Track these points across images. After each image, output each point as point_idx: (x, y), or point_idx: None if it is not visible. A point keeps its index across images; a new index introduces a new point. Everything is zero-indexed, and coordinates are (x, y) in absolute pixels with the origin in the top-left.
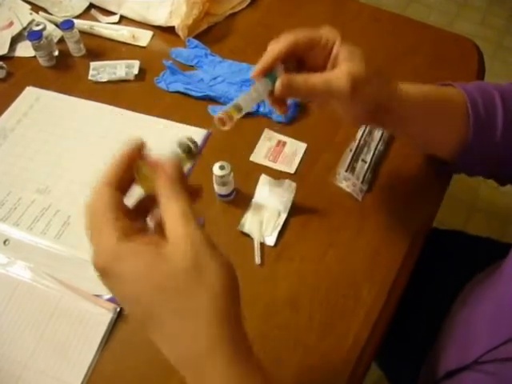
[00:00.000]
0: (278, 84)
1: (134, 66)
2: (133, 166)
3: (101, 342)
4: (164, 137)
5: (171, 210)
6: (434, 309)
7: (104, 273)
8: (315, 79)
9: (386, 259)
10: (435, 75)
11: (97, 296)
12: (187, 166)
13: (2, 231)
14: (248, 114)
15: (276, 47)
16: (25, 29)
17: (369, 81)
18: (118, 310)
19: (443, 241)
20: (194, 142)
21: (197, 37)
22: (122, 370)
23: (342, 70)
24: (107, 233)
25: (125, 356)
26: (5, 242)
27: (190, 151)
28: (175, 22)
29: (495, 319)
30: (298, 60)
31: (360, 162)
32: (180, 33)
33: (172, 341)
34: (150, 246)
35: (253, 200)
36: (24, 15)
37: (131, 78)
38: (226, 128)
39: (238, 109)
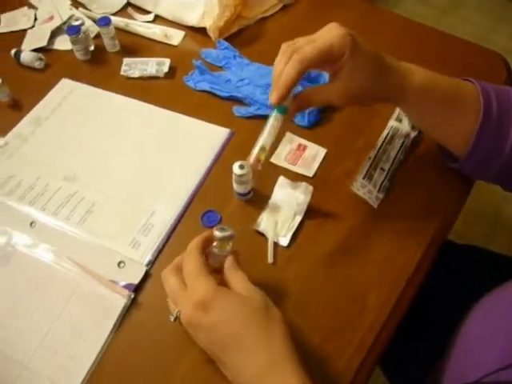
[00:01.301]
0: (292, 109)
1: (165, 63)
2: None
3: (114, 326)
4: (187, 134)
5: (235, 274)
6: (445, 321)
7: (204, 308)
8: (315, 98)
9: (396, 269)
10: None
11: (113, 282)
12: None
13: (30, 214)
14: None
15: (291, 74)
16: (64, 23)
17: (366, 47)
18: (133, 296)
19: (461, 255)
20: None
21: (227, 39)
22: (133, 352)
23: (338, 85)
24: (206, 281)
25: (136, 339)
26: (31, 224)
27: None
28: (207, 24)
29: (505, 339)
30: None
31: (378, 170)
32: (211, 34)
33: (249, 357)
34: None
35: (270, 200)
36: (64, 10)
37: (161, 75)
38: (260, 167)
39: (263, 149)
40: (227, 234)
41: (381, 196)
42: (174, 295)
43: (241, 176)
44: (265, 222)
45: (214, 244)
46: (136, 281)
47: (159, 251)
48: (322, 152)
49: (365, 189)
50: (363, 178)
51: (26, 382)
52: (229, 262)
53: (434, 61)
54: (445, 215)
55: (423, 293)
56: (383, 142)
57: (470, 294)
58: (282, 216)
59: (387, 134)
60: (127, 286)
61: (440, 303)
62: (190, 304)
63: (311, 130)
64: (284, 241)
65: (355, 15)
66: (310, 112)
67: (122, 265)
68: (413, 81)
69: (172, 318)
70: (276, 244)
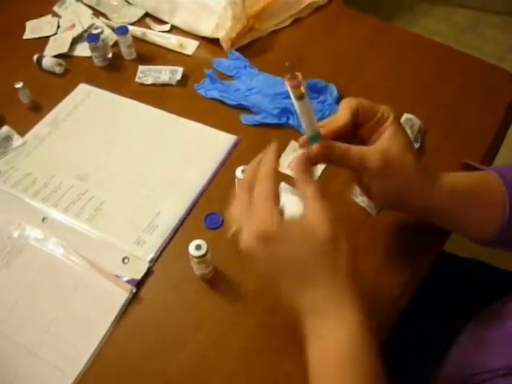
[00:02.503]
0: (319, 146)
1: (178, 72)
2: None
3: (115, 318)
4: (196, 139)
5: (307, 193)
6: (442, 333)
7: (267, 240)
8: (353, 151)
9: (391, 276)
10: (464, 105)
11: (117, 276)
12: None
13: (43, 210)
14: (277, 125)
15: (342, 118)
16: (85, 31)
17: (401, 165)
18: (134, 291)
19: (462, 268)
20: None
21: (239, 49)
22: (131, 345)
23: (377, 147)
24: (274, 210)
25: (135, 333)
26: (43, 220)
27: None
28: (220, 35)
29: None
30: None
31: None
32: (223, 44)
33: (309, 290)
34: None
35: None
36: (86, 19)
37: (174, 82)
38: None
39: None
40: (202, 253)
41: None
42: (238, 212)
43: None
44: None
45: (192, 261)
46: (138, 276)
47: (162, 249)
48: None
49: (364, 197)
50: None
51: (30, 367)
52: (297, 175)
53: (441, 76)
54: (441, 229)
55: (421, 303)
56: None
57: (469, 306)
58: None
59: None
60: (130, 281)
61: (438, 315)
62: (252, 232)
63: None
64: None
65: (367, 31)
66: None
67: (126, 261)
68: (444, 182)
69: (229, 234)
70: None
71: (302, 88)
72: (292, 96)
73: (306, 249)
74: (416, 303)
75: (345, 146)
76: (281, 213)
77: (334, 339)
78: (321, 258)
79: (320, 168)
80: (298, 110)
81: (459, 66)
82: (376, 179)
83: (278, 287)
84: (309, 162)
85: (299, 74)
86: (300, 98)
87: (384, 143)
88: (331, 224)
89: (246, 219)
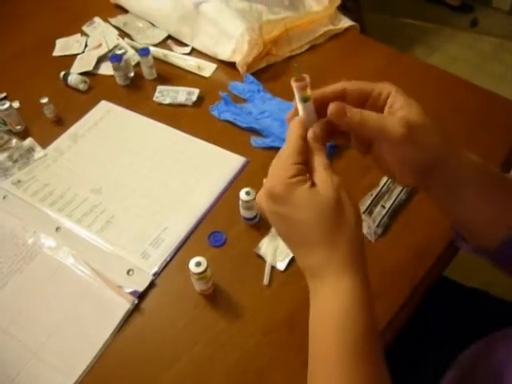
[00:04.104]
0: (331, 107)
1: (194, 93)
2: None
3: (116, 327)
4: (206, 159)
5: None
6: (439, 362)
7: (274, 199)
8: (370, 114)
9: (384, 304)
10: (474, 137)
11: (120, 287)
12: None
13: (57, 220)
14: None
15: (324, 89)
16: (110, 51)
17: (425, 130)
18: (136, 302)
19: (465, 297)
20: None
21: (255, 73)
22: (130, 353)
23: (397, 115)
24: (285, 171)
25: (135, 342)
26: (57, 229)
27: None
28: (237, 59)
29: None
30: None
31: (379, 207)
32: (239, 68)
33: (312, 251)
34: (306, 185)
35: (273, 227)
36: (111, 39)
37: (189, 103)
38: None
39: None
40: (202, 269)
41: (379, 231)
42: (270, 167)
43: (247, 202)
44: (265, 247)
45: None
46: (141, 288)
47: (166, 263)
48: None
49: (364, 223)
50: (363, 213)
51: (34, 368)
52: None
53: (451, 107)
54: (438, 261)
55: (419, 333)
56: (387, 181)
57: (470, 335)
58: (283, 243)
59: None
60: (133, 293)
61: (439, 344)
62: (263, 188)
63: None
64: (281, 265)
65: (380, 59)
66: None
67: (131, 272)
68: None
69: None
70: (273, 267)
71: (309, 91)
72: (296, 97)
73: (308, 213)
74: (412, 329)
75: (358, 109)
76: (298, 172)
77: (328, 303)
78: (323, 222)
79: None
80: (300, 113)
81: (471, 99)
82: (397, 149)
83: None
84: (326, 128)
85: (307, 77)
86: (305, 100)
87: (400, 111)
88: (337, 190)
89: (267, 177)
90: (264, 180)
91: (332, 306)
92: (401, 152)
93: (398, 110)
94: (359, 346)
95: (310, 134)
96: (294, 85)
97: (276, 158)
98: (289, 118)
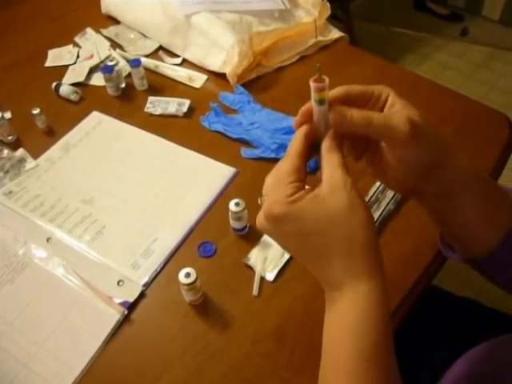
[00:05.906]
0: (333, 114)
1: (185, 104)
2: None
3: (106, 338)
4: (197, 170)
5: (332, 160)
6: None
7: (274, 221)
8: (374, 113)
9: None
10: (463, 147)
11: (111, 298)
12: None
13: (48, 230)
14: (275, 159)
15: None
16: (102, 62)
17: (428, 130)
18: (126, 313)
19: (456, 307)
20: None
21: (245, 84)
22: (120, 364)
23: (402, 114)
24: (282, 192)
25: (124, 353)
26: (48, 240)
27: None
28: (227, 70)
29: None
30: None
31: None
32: (230, 79)
33: (327, 261)
34: (310, 196)
35: (262, 238)
36: (103, 50)
37: (180, 114)
38: None
39: None
40: (191, 280)
41: None
42: (265, 186)
43: (236, 213)
44: (255, 257)
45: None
46: (131, 299)
47: (156, 274)
48: None
49: None
50: None
51: (24, 380)
52: (327, 142)
53: (438, 118)
54: (427, 269)
55: (409, 343)
56: (376, 191)
57: (463, 344)
58: (272, 253)
59: (380, 185)
60: (123, 303)
61: (429, 352)
62: (262, 211)
63: (312, 175)
64: (270, 276)
65: (369, 70)
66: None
67: (121, 283)
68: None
69: (259, 202)
70: (263, 278)
71: (326, 93)
72: (312, 98)
73: (318, 224)
74: (402, 339)
75: (359, 109)
76: (297, 190)
77: (346, 308)
78: (335, 230)
79: None
80: (314, 116)
81: (459, 109)
82: (400, 149)
83: (301, 262)
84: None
85: (327, 78)
86: (321, 102)
87: (403, 111)
88: (348, 193)
89: (265, 199)
90: (259, 199)
91: (349, 312)
92: (403, 151)
93: (400, 109)
94: (374, 350)
95: (323, 146)
96: (312, 85)
97: (272, 175)
98: (296, 125)
